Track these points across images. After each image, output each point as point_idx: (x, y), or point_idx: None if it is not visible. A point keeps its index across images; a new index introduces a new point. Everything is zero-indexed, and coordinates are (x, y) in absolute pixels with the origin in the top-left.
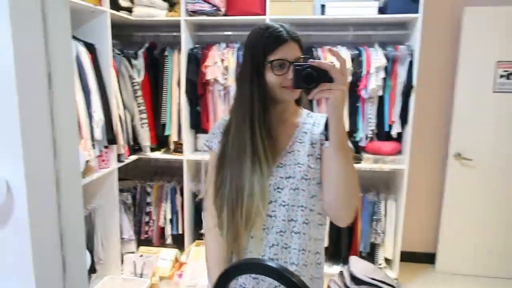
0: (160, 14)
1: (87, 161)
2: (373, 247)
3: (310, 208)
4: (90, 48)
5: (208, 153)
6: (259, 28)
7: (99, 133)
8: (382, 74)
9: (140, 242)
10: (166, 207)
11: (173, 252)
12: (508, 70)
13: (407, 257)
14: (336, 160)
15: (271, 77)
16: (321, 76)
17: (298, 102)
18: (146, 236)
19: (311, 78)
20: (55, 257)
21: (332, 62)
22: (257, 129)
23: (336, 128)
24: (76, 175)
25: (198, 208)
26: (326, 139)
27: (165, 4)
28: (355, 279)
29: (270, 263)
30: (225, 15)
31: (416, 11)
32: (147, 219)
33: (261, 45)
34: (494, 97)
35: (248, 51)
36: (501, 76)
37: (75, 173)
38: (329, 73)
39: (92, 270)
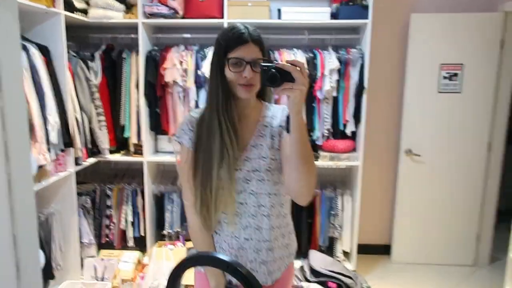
0: (117, 16)
1: (42, 166)
2: (332, 241)
3: (275, 193)
4: (44, 50)
5: (179, 148)
6: (227, 27)
7: (54, 137)
8: (335, 76)
9: (101, 246)
10: (127, 210)
11: (135, 254)
12: (450, 72)
13: (364, 249)
14: (297, 148)
15: (228, 73)
16: (285, 76)
17: (262, 96)
18: (107, 239)
19: (276, 78)
20: (9, 258)
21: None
22: (222, 120)
23: (296, 121)
24: (28, 178)
25: (159, 210)
26: (288, 131)
27: (122, 6)
28: (314, 272)
29: (222, 257)
30: (183, 17)
31: (366, 17)
32: (107, 222)
33: (224, 43)
34: (438, 97)
35: (215, 47)
36: (445, 78)
37: (27, 176)
38: (292, 74)
39: (51, 276)
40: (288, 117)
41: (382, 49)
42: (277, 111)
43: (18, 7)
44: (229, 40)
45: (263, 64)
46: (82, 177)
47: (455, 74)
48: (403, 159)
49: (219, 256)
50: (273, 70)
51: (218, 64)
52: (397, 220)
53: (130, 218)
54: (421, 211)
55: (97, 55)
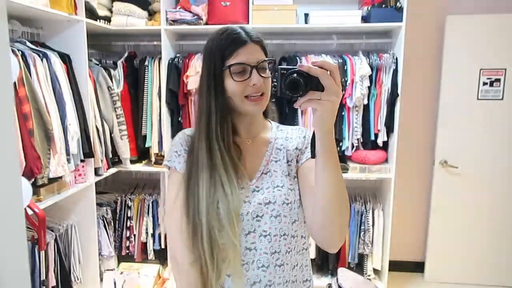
0: (140, 23)
1: (61, 177)
2: (361, 258)
3: (292, 235)
4: (65, 58)
5: (170, 173)
6: (216, 32)
7: (74, 147)
8: (367, 83)
9: (121, 258)
10: (148, 221)
11: (155, 268)
12: (491, 78)
13: (396, 266)
14: (325, 179)
15: (230, 85)
16: (310, 83)
17: (264, 114)
18: (127, 251)
19: (298, 85)
20: None
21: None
22: (215, 145)
23: (324, 143)
24: (17, 207)
25: None
26: (313, 156)
27: (145, 13)
28: None
29: None
30: (206, 24)
31: (400, 20)
32: (128, 234)
33: (217, 50)
34: (478, 104)
35: (205, 58)
36: (485, 84)
37: (16, 204)
38: (320, 80)
39: None
40: (313, 137)
41: (416, 54)
42: (291, 132)
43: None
44: (224, 45)
45: (282, 67)
46: (103, 186)
47: (497, 80)
48: (438, 171)
49: None
50: (295, 75)
51: (211, 78)
52: (431, 236)
53: (150, 230)
54: (458, 226)
55: (119, 63)
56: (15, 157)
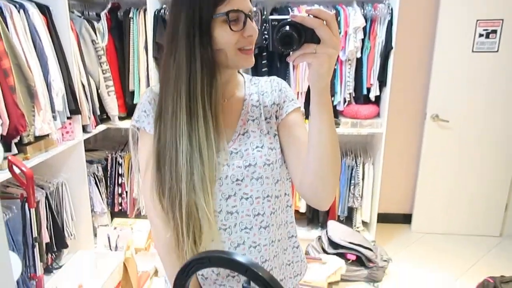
0: None
1: (47, 135)
2: (351, 211)
3: (276, 195)
4: (44, 9)
5: (140, 134)
6: None
7: (60, 104)
8: (360, 35)
9: (115, 215)
10: (139, 178)
11: (148, 223)
12: (487, 29)
13: (384, 218)
14: (320, 139)
15: (224, 35)
16: (304, 35)
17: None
18: (120, 208)
19: (291, 38)
20: None
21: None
22: (198, 107)
23: (320, 101)
24: None
25: None
26: (307, 116)
27: None
28: (333, 244)
29: (239, 258)
30: None
31: None
32: (120, 190)
33: None
34: (472, 57)
35: (184, 3)
36: (480, 35)
37: None
38: (315, 31)
39: (64, 245)
40: (308, 94)
41: (412, 4)
42: (265, 85)
43: None
44: None
45: (273, 17)
46: (92, 144)
47: (493, 31)
48: (429, 125)
49: (236, 257)
50: (287, 28)
51: (198, 26)
52: (419, 189)
53: None
54: (445, 179)
55: (103, 14)
56: None
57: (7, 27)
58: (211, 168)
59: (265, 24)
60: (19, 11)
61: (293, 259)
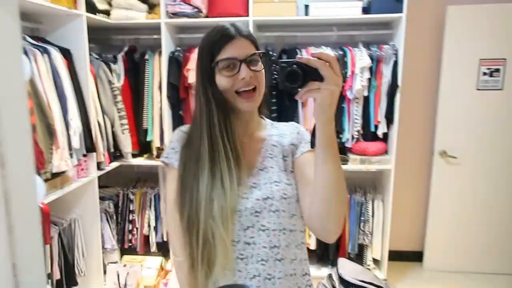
0: (139, 16)
1: (64, 172)
2: (361, 248)
3: (291, 229)
4: (66, 53)
5: (167, 170)
6: (209, 30)
7: (77, 142)
8: (367, 74)
9: (124, 251)
10: (150, 214)
11: (158, 260)
12: (491, 68)
13: (395, 256)
14: (325, 170)
15: (220, 80)
16: (309, 74)
17: (259, 111)
18: (130, 244)
19: (297, 75)
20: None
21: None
22: (218, 142)
23: (325, 133)
24: (32, 201)
25: None
26: (313, 146)
27: (144, 6)
28: (344, 282)
29: None
30: (206, 16)
31: (400, 11)
32: (130, 227)
33: (208, 46)
34: (477, 94)
35: (198, 54)
36: (484, 74)
37: (31, 198)
38: (319, 71)
39: (74, 282)
40: (314, 128)
41: (417, 45)
42: (284, 129)
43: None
44: (213, 41)
45: (282, 60)
46: (105, 180)
47: (497, 70)
48: (437, 161)
49: None
50: (294, 67)
51: (205, 74)
52: (430, 226)
53: (153, 223)
54: (457, 216)
55: (120, 57)
56: (30, 156)
57: (31, 70)
58: (232, 198)
59: (274, 65)
60: (43, 55)
61: None
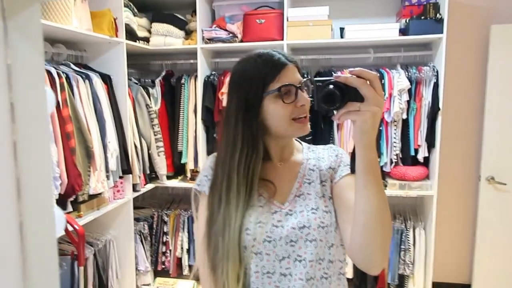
0: (177, 42)
1: (100, 193)
2: (402, 279)
3: (330, 259)
4: (106, 79)
5: (200, 198)
6: (247, 59)
7: (113, 164)
8: (405, 97)
9: (157, 273)
10: (183, 237)
11: (190, 283)
12: None
13: None
14: (367, 196)
15: (279, 109)
16: (348, 94)
17: None
18: (163, 267)
19: (335, 97)
20: None
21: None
22: (234, 179)
23: (366, 158)
24: (50, 237)
25: None
26: (353, 171)
27: (182, 33)
28: None
29: None
30: (241, 41)
31: (440, 32)
32: (164, 249)
33: (257, 74)
34: None
35: (238, 87)
36: None
37: (49, 235)
38: (359, 91)
39: None
40: (353, 152)
41: (458, 66)
42: (323, 152)
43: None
44: (265, 69)
45: (317, 79)
46: (140, 202)
47: None
48: (485, 188)
49: None
50: (331, 86)
51: (250, 104)
52: (478, 256)
53: (186, 245)
54: (507, 246)
55: (157, 81)
56: (50, 188)
57: (73, 95)
58: (233, 239)
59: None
60: (84, 81)
61: None
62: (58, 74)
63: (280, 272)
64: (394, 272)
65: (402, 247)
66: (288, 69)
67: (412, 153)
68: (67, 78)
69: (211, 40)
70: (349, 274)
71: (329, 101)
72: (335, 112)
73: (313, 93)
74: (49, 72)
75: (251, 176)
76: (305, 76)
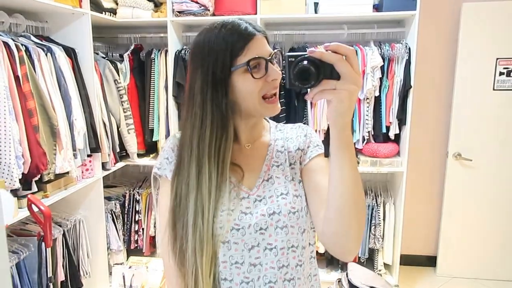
0: (145, 14)
1: (67, 172)
2: (372, 253)
3: (303, 245)
4: (70, 52)
5: (161, 182)
6: (211, 29)
7: (81, 142)
8: (378, 74)
9: (130, 252)
10: (156, 215)
11: None
12: (508, 67)
13: (408, 261)
14: (341, 179)
15: (248, 84)
16: (323, 71)
17: None
18: (136, 245)
19: (309, 73)
20: None
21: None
22: (206, 163)
23: (341, 139)
24: None
25: None
26: (326, 155)
27: (151, 4)
28: (353, 287)
29: None
30: (213, 14)
31: (413, 8)
32: (136, 227)
33: (223, 47)
34: (494, 95)
35: (202, 60)
36: (501, 74)
37: None
38: (335, 67)
39: (79, 284)
40: (327, 133)
41: (430, 43)
42: (291, 131)
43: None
44: (231, 40)
45: (289, 54)
46: (111, 180)
47: None
48: (452, 164)
49: None
50: (305, 62)
51: (213, 82)
52: (444, 230)
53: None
54: (471, 220)
55: (126, 56)
56: None
57: (34, 70)
58: (207, 230)
59: (282, 62)
60: (46, 54)
61: None
62: (17, 46)
63: (249, 262)
64: (365, 246)
65: (373, 222)
66: (256, 40)
67: (384, 130)
68: (27, 51)
69: (181, 13)
70: (322, 248)
71: (303, 78)
72: (308, 90)
73: (285, 70)
74: (6, 44)
75: (221, 159)
76: (275, 47)
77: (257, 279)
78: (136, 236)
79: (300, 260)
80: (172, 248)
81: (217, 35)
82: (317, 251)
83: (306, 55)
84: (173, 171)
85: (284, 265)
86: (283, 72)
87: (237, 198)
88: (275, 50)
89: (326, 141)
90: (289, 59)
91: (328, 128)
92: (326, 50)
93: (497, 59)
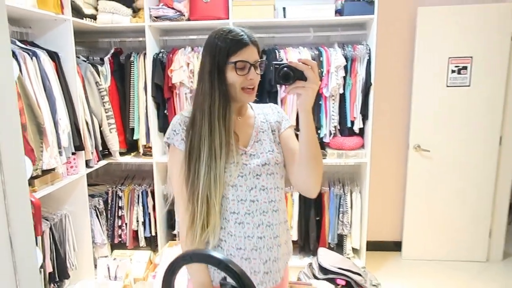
0: (124, 20)
1: (54, 169)
2: (341, 238)
3: (282, 187)
4: (54, 56)
5: (170, 150)
6: (221, 30)
7: (65, 140)
8: (342, 73)
9: (114, 246)
10: (138, 210)
11: (146, 254)
12: (459, 66)
13: (374, 246)
14: (307, 144)
15: (233, 77)
16: (297, 74)
17: None
18: (120, 239)
19: (289, 76)
20: (6, 259)
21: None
22: (216, 122)
23: (307, 118)
24: (22, 182)
25: (169, 209)
26: (297, 129)
27: (129, 11)
28: (323, 270)
29: (215, 254)
30: (188, 19)
31: (371, 13)
32: (119, 223)
33: (224, 47)
34: (447, 91)
35: (210, 50)
36: (453, 71)
37: (21, 180)
38: (304, 73)
39: (66, 275)
40: (297, 118)
41: (389, 45)
42: (266, 109)
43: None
44: (230, 44)
45: (275, 62)
46: (94, 179)
47: (464, 68)
48: (412, 155)
49: (212, 253)
50: (286, 68)
51: (216, 68)
52: (407, 216)
53: (141, 219)
54: (432, 207)
55: (106, 59)
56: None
57: (21, 72)
58: (220, 174)
59: (270, 67)
60: (31, 58)
61: (287, 239)
62: None
63: (250, 199)
64: (334, 232)
65: (341, 210)
66: (248, 48)
67: (349, 124)
68: (13, 55)
69: (158, 18)
70: (294, 236)
71: (284, 79)
72: (286, 86)
73: (272, 72)
74: None
75: (228, 122)
76: (262, 56)
77: (255, 210)
78: (120, 231)
79: (280, 197)
80: (185, 187)
81: (224, 37)
82: (292, 240)
83: (287, 64)
84: (187, 128)
85: (272, 200)
86: (262, 75)
87: (238, 154)
88: (261, 60)
89: (297, 121)
90: (275, 66)
91: (297, 115)
92: (300, 62)
93: (449, 58)
